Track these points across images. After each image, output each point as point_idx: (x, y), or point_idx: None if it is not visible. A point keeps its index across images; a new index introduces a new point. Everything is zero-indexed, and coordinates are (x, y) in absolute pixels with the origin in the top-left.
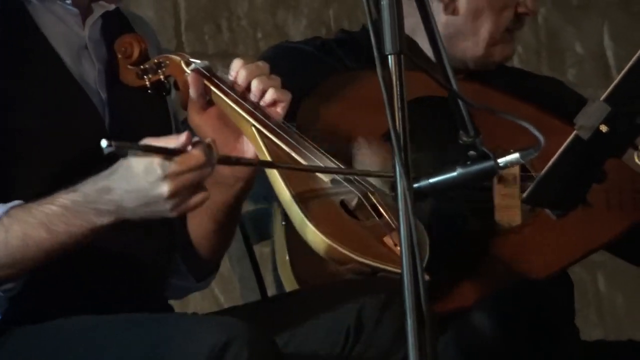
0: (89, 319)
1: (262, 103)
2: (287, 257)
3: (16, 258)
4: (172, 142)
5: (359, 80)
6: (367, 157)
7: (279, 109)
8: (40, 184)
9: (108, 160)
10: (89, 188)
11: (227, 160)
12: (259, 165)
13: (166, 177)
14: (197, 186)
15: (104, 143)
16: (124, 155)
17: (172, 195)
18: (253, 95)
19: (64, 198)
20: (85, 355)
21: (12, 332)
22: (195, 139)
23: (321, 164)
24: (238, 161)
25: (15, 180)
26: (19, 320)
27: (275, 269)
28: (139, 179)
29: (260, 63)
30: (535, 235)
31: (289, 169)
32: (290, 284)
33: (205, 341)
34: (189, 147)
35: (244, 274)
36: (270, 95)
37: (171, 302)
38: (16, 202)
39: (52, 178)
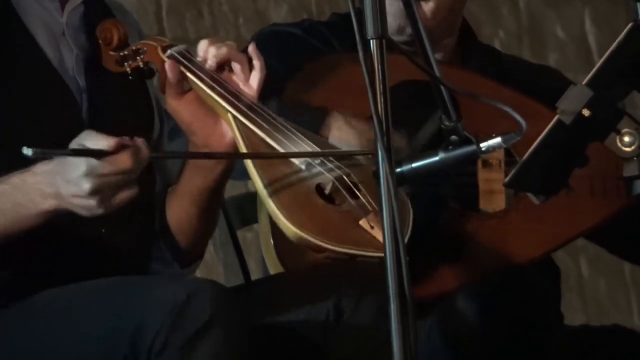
0: (54, 290)
1: (233, 77)
2: (272, 241)
3: None
4: (103, 142)
5: (344, 63)
6: (343, 133)
7: (253, 84)
8: (14, 170)
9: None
10: (38, 169)
11: (160, 156)
12: (188, 157)
13: (88, 174)
14: (121, 186)
15: (26, 151)
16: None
17: (93, 192)
18: (208, 64)
19: (17, 177)
20: (54, 322)
21: None
22: (126, 140)
23: (295, 149)
24: (173, 155)
25: None
26: None
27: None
28: (71, 170)
29: (229, 42)
30: (519, 220)
31: (230, 157)
32: (275, 268)
33: (170, 296)
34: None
35: (228, 259)
36: (222, 52)
37: None
38: None
39: (27, 164)
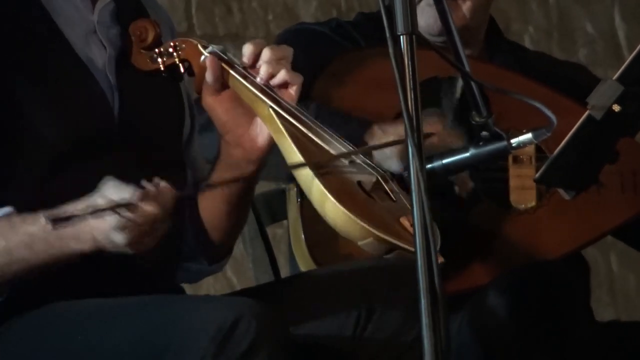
0: (95, 301)
1: (272, 83)
2: (302, 236)
3: (3, 270)
4: (126, 194)
5: (373, 58)
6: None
7: (292, 91)
8: (45, 167)
9: (117, 143)
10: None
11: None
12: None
13: (119, 228)
14: (151, 230)
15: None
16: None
17: (127, 243)
18: (260, 78)
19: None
20: (93, 337)
21: (14, 319)
22: (149, 187)
23: (338, 145)
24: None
25: (20, 163)
26: (21, 307)
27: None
28: (101, 221)
29: (283, 46)
30: (550, 216)
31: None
32: (304, 263)
33: (213, 320)
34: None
35: (257, 255)
36: (281, 75)
37: (184, 286)
38: (4, 210)
39: (57, 161)
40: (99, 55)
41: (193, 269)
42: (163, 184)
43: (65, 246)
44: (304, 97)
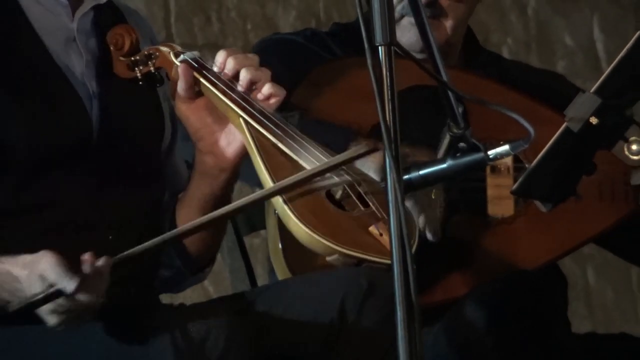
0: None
1: (259, 96)
2: (280, 246)
3: None
4: (65, 278)
5: (351, 68)
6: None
7: (272, 102)
8: (22, 174)
9: (95, 151)
10: (13, 267)
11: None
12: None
13: (53, 312)
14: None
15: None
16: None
17: (60, 325)
18: (240, 86)
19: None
20: (65, 348)
21: None
22: (85, 262)
23: (309, 156)
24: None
25: None
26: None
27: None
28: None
29: (250, 54)
30: (527, 226)
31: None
32: (282, 273)
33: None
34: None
35: (234, 265)
36: (267, 89)
37: (162, 295)
38: None
39: (31, 170)
40: (78, 64)
41: (174, 280)
42: (101, 262)
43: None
44: (282, 107)
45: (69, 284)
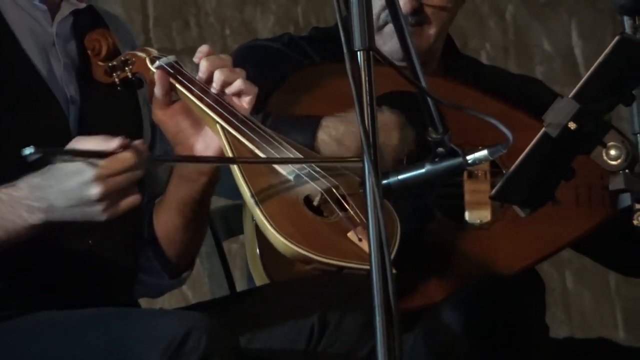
0: (47, 315)
1: (227, 92)
2: (258, 252)
3: None
4: (102, 143)
5: (330, 73)
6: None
7: (245, 103)
8: None
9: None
10: (23, 184)
11: (162, 159)
12: (189, 162)
13: (96, 179)
14: (127, 188)
15: (27, 150)
16: (51, 161)
17: (102, 197)
18: (214, 88)
19: (1, 192)
20: (45, 352)
21: None
22: (127, 141)
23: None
24: (172, 159)
25: None
26: None
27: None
28: (69, 179)
29: (223, 55)
30: (504, 231)
31: (224, 162)
32: (260, 279)
33: (163, 334)
34: (120, 150)
35: (213, 270)
36: (236, 85)
37: (140, 300)
38: None
39: (12, 173)
40: (57, 68)
41: (153, 284)
42: (139, 141)
43: (18, 216)
44: (259, 112)
45: (106, 144)
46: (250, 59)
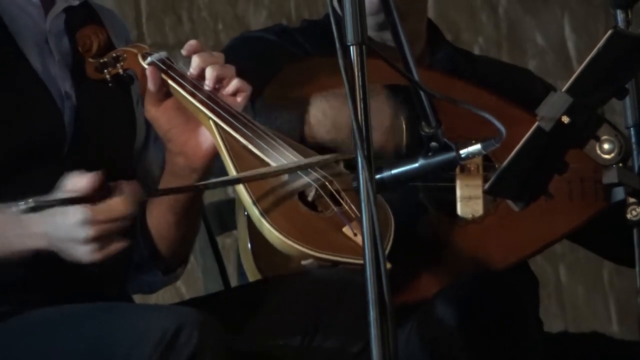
0: (40, 311)
1: (223, 92)
2: (250, 247)
3: None
4: (85, 182)
5: (323, 67)
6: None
7: (240, 99)
8: None
9: (68, 152)
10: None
11: (160, 192)
12: (189, 190)
13: (85, 223)
14: (116, 234)
15: (21, 205)
16: (41, 209)
17: (92, 240)
18: (207, 85)
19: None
20: (37, 347)
21: None
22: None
23: (279, 157)
24: (170, 191)
25: None
26: None
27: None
28: (62, 217)
29: (215, 52)
30: (497, 225)
31: (225, 184)
32: (253, 274)
33: (155, 329)
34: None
35: (207, 265)
36: (233, 84)
37: (134, 296)
38: None
39: (6, 170)
40: (52, 65)
41: (147, 280)
42: (133, 183)
43: (17, 237)
44: (253, 104)
45: (89, 182)
46: (244, 50)
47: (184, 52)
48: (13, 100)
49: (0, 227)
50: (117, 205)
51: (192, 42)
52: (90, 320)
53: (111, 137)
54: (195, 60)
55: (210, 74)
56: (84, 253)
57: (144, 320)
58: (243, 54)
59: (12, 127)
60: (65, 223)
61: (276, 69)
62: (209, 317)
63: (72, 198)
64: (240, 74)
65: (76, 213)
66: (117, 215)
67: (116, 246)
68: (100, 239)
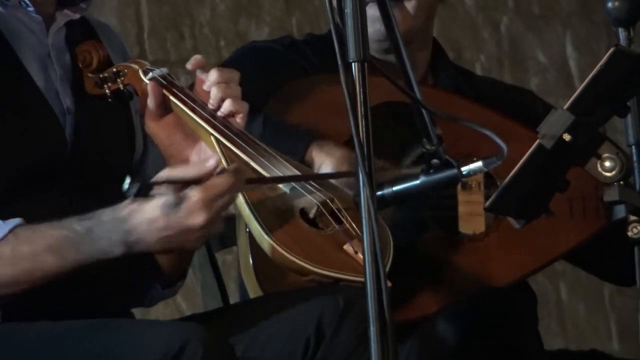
0: (43, 325)
1: (219, 113)
2: (251, 263)
3: (20, 279)
4: (191, 170)
5: (326, 84)
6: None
7: (238, 119)
8: None
9: (66, 167)
10: (107, 216)
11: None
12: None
13: (201, 206)
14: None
15: (126, 184)
16: (147, 194)
17: (207, 224)
18: (211, 104)
19: (78, 225)
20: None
21: None
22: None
23: (279, 172)
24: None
25: None
26: None
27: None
28: (162, 210)
29: (231, 76)
30: (499, 243)
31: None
32: (254, 291)
33: (159, 345)
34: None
35: (206, 281)
36: (227, 105)
37: (133, 311)
38: (17, 220)
39: (8, 185)
40: (54, 80)
41: (146, 294)
42: (234, 165)
43: (97, 250)
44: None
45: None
46: (250, 60)
47: (188, 66)
48: (16, 120)
49: (78, 242)
50: (219, 180)
51: (197, 57)
52: (95, 336)
53: (110, 152)
54: (216, 93)
55: (214, 94)
56: (195, 239)
57: (148, 335)
58: (250, 63)
59: (16, 148)
60: (175, 213)
61: (282, 80)
62: (213, 333)
63: (179, 179)
64: (245, 83)
65: (187, 200)
66: (226, 188)
67: (217, 228)
68: (214, 219)
